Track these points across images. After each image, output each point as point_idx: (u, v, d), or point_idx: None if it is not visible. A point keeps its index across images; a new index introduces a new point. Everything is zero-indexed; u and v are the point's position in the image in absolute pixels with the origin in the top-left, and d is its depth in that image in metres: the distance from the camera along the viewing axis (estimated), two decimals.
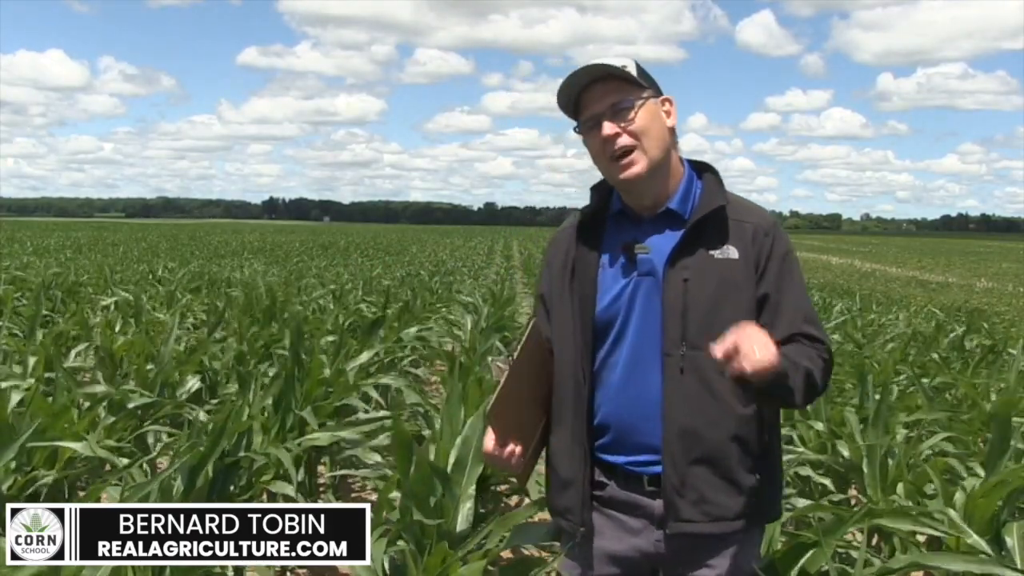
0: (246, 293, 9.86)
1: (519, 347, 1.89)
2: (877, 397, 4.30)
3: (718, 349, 1.66)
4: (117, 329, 6.64)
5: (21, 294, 9.80)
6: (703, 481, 1.84)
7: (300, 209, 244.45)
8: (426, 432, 4.06)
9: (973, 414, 4.57)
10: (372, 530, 2.61)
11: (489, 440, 1.92)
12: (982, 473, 3.41)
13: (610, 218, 1.94)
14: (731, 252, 1.84)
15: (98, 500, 3.55)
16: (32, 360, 4.96)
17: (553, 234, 2.05)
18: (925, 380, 5.58)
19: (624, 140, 1.83)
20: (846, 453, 4.04)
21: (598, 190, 1.97)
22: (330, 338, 6.38)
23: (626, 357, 1.87)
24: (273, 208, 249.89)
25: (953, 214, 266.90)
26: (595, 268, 1.90)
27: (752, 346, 1.63)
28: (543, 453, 2.02)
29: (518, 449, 1.91)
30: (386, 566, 2.53)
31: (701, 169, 1.96)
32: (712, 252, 1.84)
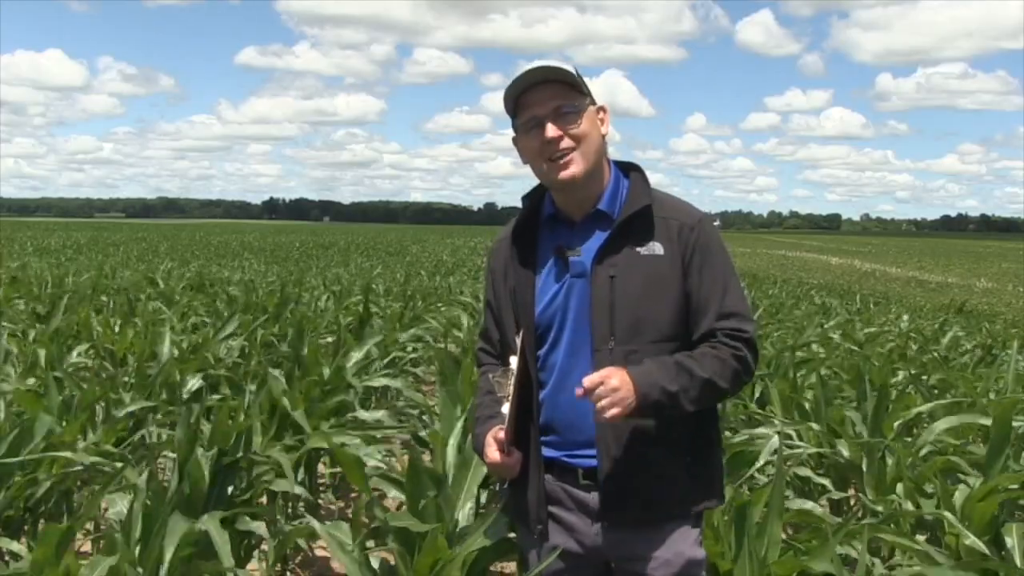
0: (246, 293, 9.86)
1: (518, 360, 1.94)
2: (875, 396, 4.29)
3: (578, 389, 1.79)
4: (117, 329, 6.64)
5: (20, 294, 9.79)
6: (637, 470, 1.89)
7: (300, 209, 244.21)
8: (422, 433, 4.06)
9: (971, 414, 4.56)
10: (363, 531, 2.62)
11: (494, 451, 1.94)
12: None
13: (543, 224, 2.00)
14: (656, 248, 1.90)
15: (97, 505, 3.55)
16: (32, 359, 4.96)
17: (493, 243, 2.10)
18: (924, 378, 5.59)
19: (566, 143, 1.88)
20: (846, 453, 4.04)
21: (530, 198, 2.03)
22: (329, 338, 6.38)
23: (563, 357, 1.94)
24: (273, 208, 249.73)
25: (953, 214, 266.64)
26: (532, 274, 1.96)
27: (604, 403, 1.76)
28: None
29: (519, 454, 1.96)
30: (375, 566, 2.53)
31: (628, 169, 2.01)
32: (638, 249, 1.90)
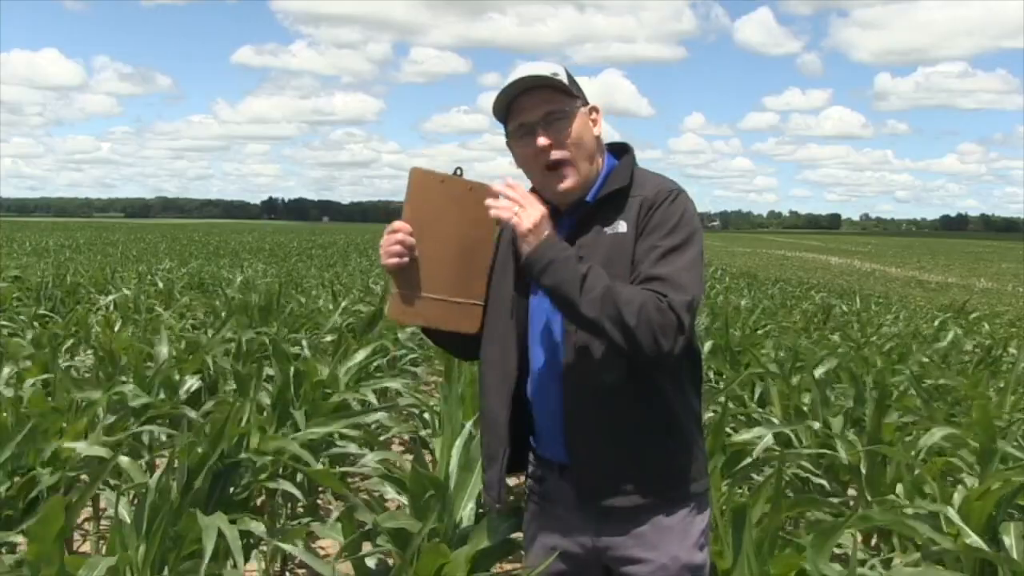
0: (243, 293, 9.86)
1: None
2: (875, 397, 4.28)
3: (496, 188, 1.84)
4: (116, 329, 6.63)
5: (20, 294, 9.78)
6: (607, 453, 1.87)
7: (299, 209, 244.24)
8: (423, 432, 4.06)
9: (972, 415, 4.56)
10: (363, 530, 2.62)
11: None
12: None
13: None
14: (620, 226, 1.87)
15: (95, 501, 3.55)
16: (31, 360, 4.96)
17: None
18: (927, 381, 5.58)
19: (559, 152, 1.87)
20: (844, 454, 4.03)
21: None
22: (328, 338, 6.38)
23: (539, 344, 1.94)
24: (272, 208, 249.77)
25: (953, 214, 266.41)
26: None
27: (522, 210, 1.78)
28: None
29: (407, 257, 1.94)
30: (373, 566, 2.53)
31: (620, 152, 1.99)
32: (605, 229, 1.88)
